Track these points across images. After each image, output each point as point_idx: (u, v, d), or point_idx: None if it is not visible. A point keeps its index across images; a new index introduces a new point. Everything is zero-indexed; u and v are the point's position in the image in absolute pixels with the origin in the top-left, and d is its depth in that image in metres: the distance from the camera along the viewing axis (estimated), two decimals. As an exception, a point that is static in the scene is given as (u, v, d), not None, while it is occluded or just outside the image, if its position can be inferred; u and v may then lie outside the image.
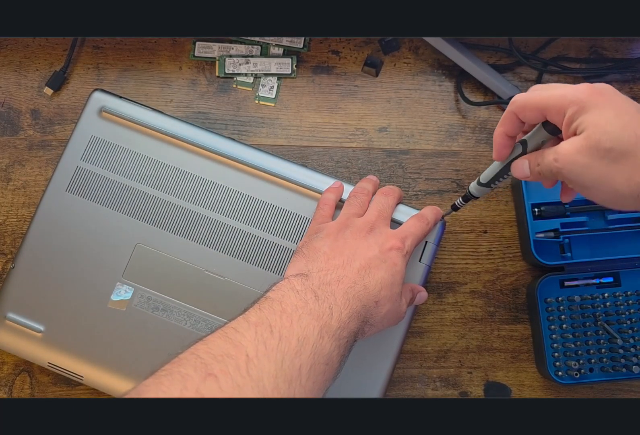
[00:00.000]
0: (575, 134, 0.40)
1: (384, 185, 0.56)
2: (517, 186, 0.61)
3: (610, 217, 0.60)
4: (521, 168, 0.44)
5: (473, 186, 0.50)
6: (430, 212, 0.53)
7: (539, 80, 0.64)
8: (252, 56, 0.63)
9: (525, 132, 0.45)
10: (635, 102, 0.40)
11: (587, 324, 0.58)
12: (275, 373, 0.36)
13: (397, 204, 0.54)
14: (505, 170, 0.46)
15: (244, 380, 0.35)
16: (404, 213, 0.55)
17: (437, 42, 0.62)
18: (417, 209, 0.55)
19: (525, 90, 0.63)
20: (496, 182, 0.48)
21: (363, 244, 0.48)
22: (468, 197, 0.52)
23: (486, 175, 0.48)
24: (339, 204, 0.54)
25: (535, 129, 0.44)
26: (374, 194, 0.54)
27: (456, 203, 0.53)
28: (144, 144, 0.56)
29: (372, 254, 0.47)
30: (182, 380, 0.35)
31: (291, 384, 0.37)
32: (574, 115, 0.39)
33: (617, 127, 0.38)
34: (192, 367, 0.36)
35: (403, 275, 0.48)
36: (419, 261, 0.55)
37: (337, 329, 0.41)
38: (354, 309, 0.43)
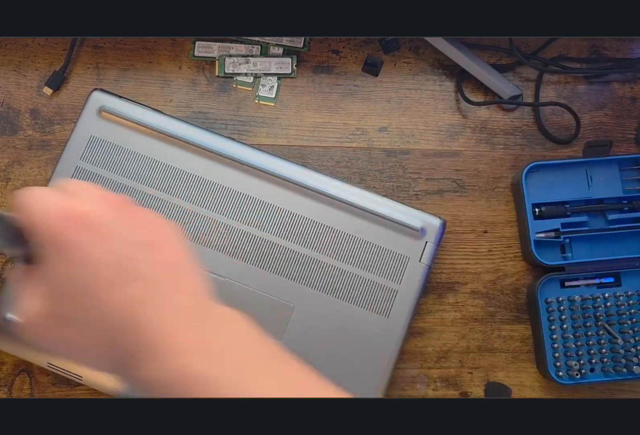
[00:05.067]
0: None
1: (384, 185, 0.56)
2: (517, 186, 0.60)
3: (611, 217, 0.59)
4: None
5: None
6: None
7: (539, 80, 0.64)
8: (252, 56, 0.63)
9: None
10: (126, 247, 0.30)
11: (588, 324, 0.58)
12: None
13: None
14: None
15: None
16: (404, 213, 0.55)
17: (437, 42, 0.61)
18: (417, 209, 0.55)
19: (525, 90, 0.64)
20: None
21: None
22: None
23: None
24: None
25: None
26: None
27: None
28: (144, 144, 0.55)
29: None
30: None
31: None
32: (38, 253, 0.30)
33: (71, 286, 0.30)
34: None
35: None
36: (419, 261, 0.55)
37: None
38: None
